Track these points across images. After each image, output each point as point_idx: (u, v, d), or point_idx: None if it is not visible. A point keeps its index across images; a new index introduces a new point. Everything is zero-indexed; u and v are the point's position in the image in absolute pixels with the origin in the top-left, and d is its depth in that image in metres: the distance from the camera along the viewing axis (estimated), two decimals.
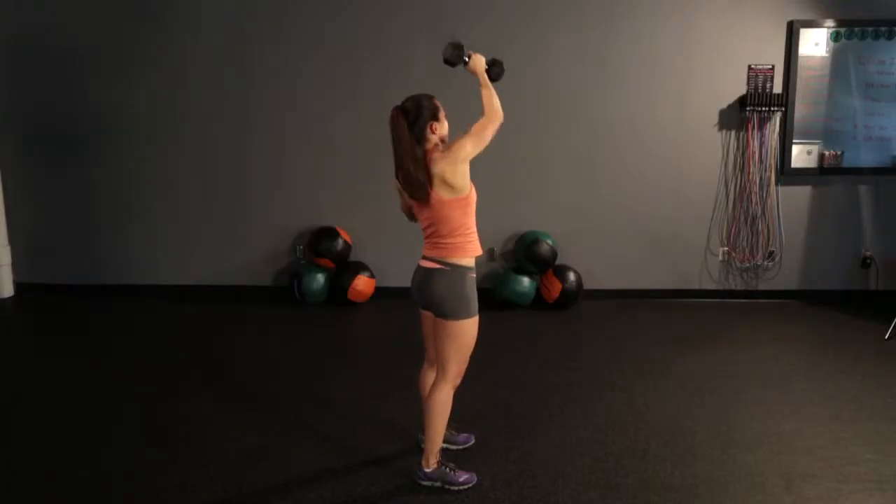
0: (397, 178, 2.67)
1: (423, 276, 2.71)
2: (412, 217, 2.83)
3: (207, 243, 5.73)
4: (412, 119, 2.63)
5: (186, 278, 5.77)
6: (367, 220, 5.58)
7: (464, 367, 2.75)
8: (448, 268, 2.66)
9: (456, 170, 2.58)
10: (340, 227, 5.55)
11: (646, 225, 5.62)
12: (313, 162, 5.60)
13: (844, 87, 5.41)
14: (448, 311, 2.65)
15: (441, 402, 2.72)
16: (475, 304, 2.69)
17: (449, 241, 2.66)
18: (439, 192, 2.61)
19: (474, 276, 2.72)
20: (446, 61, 2.73)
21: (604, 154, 5.55)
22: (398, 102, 2.69)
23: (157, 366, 4.14)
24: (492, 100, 2.69)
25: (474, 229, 2.72)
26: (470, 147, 2.60)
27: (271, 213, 5.67)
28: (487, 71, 2.75)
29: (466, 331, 2.68)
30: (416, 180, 2.60)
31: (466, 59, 2.72)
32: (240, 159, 5.61)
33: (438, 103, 2.70)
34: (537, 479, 2.85)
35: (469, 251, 2.69)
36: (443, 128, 2.70)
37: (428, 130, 2.64)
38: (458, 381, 2.79)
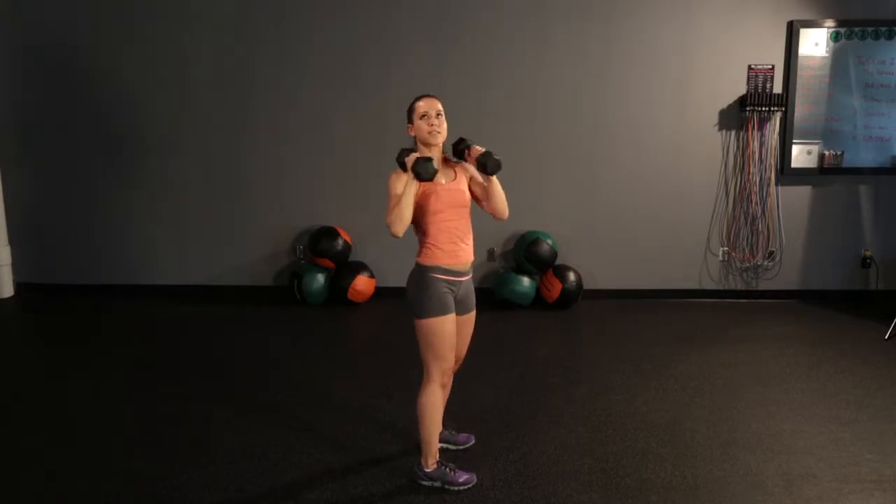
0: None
1: None
2: None
3: (207, 243, 5.73)
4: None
5: (186, 278, 5.77)
6: (367, 220, 5.57)
7: (446, 365, 2.71)
8: (415, 267, 2.73)
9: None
10: (340, 227, 5.55)
11: (646, 225, 5.62)
12: (313, 162, 5.60)
13: (844, 87, 5.41)
14: (411, 310, 2.69)
15: (427, 404, 2.72)
16: (438, 306, 2.65)
17: (419, 243, 2.75)
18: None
19: (442, 277, 2.68)
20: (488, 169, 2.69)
21: (604, 154, 5.55)
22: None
23: (157, 366, 4.14)
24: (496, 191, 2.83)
25: (436, 241, 2.68)
26: (391, 185, 2.68)
27: (271, 213, 5.67)
28: (484, 166, 2.67)
29: (430, 330, 2.65)
30: None
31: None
32: (240, 159, 5.61)
33: (418, 104, 2.70)
34: (537, 479, 2.85)
35: (429, 257, 2.69)
36: (418, 130, 2.69)
37: (410, 134, 2.74)
38: (446, 379, 2.78)
